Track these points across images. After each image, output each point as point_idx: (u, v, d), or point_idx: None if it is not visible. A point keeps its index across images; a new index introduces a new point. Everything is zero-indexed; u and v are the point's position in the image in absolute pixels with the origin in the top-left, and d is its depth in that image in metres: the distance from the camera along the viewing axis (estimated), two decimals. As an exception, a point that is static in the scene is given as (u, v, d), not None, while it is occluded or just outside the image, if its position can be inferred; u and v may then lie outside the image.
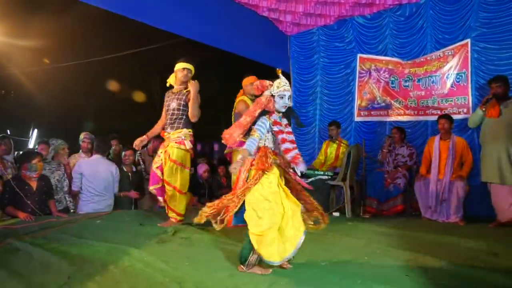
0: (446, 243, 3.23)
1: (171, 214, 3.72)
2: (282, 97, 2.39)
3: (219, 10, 5.83)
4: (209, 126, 7.78)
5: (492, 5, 5.00)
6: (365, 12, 6.17)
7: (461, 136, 4.81)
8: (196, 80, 3.81)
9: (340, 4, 6.10)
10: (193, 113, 3.71)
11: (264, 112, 2.41)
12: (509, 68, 4.78)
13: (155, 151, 5.93)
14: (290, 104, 2.45)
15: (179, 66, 3.81)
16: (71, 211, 4.50)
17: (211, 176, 6.06)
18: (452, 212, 4.40)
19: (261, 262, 2.29)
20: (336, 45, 6.58)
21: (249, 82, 4.26)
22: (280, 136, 2.41)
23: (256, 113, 2.39)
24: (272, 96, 2.40)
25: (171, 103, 3.79)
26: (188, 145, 3.72)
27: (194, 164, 6.21)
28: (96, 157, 4.75)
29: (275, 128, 2.41)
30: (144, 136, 3.87)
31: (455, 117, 5.02)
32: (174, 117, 3.75)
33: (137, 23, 5.25)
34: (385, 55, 6.00)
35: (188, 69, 3.81)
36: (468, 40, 5.17)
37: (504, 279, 2.25)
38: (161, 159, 3.72)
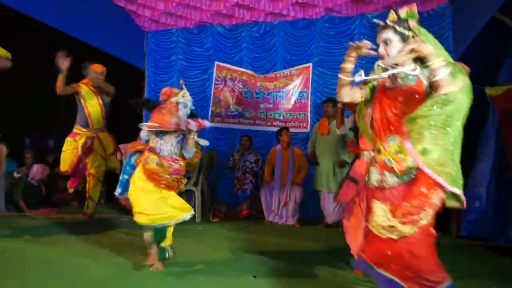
0: (286, 244, 3.59)
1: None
2: (185, 106, 2.69)
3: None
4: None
5: (329, 37, 5.83)
6: (224, 22, 6.36)
7: (298, 147, 5.42)
8: None
9: (201, 10, 6.12)
10: None
11: None
12: (339, 92, 5.63)
13: None
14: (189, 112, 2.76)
15: None
16: None
17: (47, 179, 5.20)
18: (290, 215, 4.91)
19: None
20: (194, 50, 6.59)
21: (94, 70, 4.43)
22: None
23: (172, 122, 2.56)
24: (177, 103, 2.67)
25: None
26: None
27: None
28: None
29: None
30: None
31: (296, 130, 5.64)
32: None
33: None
34: (241, 66, 6.30)
35: None
36: (310, 64, 5.90)
37: (330, 274, 2.60)
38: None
